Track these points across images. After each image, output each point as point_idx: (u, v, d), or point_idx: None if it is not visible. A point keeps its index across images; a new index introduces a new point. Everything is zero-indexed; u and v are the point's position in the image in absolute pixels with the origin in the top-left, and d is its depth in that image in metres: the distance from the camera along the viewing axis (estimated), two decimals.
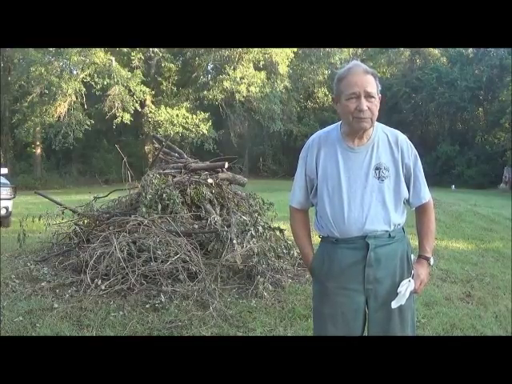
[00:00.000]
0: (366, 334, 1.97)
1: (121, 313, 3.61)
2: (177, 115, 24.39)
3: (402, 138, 1.93)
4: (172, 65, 26.73)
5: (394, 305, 1.88)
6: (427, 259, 1.99)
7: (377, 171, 1.86)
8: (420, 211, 2.01)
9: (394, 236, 1.90)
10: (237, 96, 24.72)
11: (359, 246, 1.87)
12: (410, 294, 1.91)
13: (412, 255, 1.98)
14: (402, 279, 1.90)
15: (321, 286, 1.98)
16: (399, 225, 1.92)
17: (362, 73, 1.81)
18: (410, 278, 1.91)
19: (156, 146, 7.47)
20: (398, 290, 1.88)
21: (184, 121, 24.47)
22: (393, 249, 1.90)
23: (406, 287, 1.89)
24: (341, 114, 1.88)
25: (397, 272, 1.90)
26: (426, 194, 1.97)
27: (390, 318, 1.89)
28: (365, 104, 1.79)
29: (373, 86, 1.81)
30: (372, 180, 1.86)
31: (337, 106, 1.89)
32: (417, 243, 2.05)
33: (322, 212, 1.93)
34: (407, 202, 1.97)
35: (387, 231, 1.88)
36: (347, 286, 1.89)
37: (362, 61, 1.92)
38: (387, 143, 1.90)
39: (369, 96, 1.79)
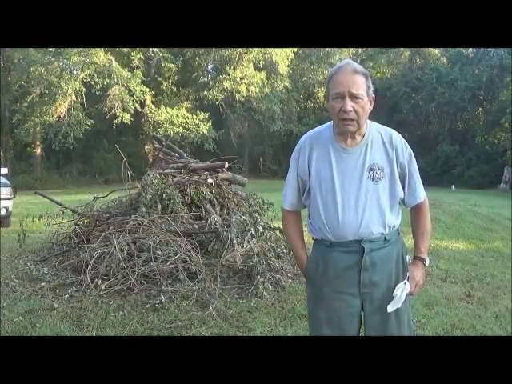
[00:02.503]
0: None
1: (121, 313, 3.61)
2: (177, 115, 24.39)
3: (396, 136, 1.88)
4: (172, 65, 26.73)
5: (390, 308, 1.85)
6: (423, 260, 1.95)
7: (371, 172, 1.82)
8: (415, 211, 1.98)
9: (390, 239, 1.87)
10: (237, 96, 24.73)
11: (354, 249, 1.83)
12: (406, 297, 1.89)
13: (408, 256, 1.95)
14: (398, 282, 1.87)
15: (316, 289, 1.95)
16: (394, 226, 1.89)
17: (350, 72, 1.76)
18: (406, 281, 1.89)
19: (156, 145, 7.46)
20: (394, 294, 1.85)
21: (184, 121, 24.46)
22: (388, 252, 1.87)
23: (402, 290, 1.86)
24: (330, 114, 1.84)
25: (392, 275, 1.87)
26: (421, 194, 1.93)
27: (386, 321, 1.87)
28: (349, 105, 1.73)
29: (360, 86, 1.75)
30: (366, 182, 1.82)
31: (328, 106, 1.85)
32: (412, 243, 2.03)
33: (316, 215, 1.90)
34: (402, 201, 1.93)
35: (382, 234, 1.85)
36: (343, 290, 1.87)
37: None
38: (381, 142, 1.86)
39: (354, 97, 1.74)
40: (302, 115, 30.79)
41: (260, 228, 4.74)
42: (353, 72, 1.76)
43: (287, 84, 27.23)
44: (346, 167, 1.84)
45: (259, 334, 3.29)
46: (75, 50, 20.68)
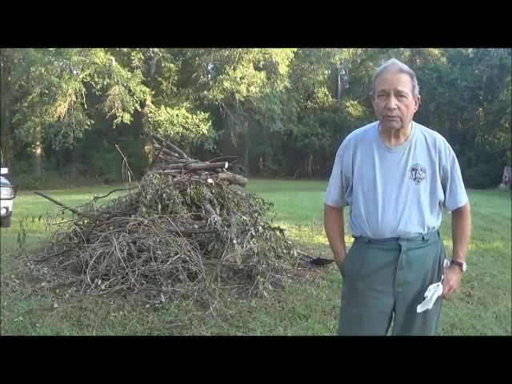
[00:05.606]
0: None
1: (121, 313, 3.61)
2: (177, 115, 24.33)
3: (440, 139, 1.91)
4: (172, 65, 26.68)
5: (420, 309, 1.86)
6: (460, 265, 1.96)
7: (413, 172, 1.85)
8: (455, 215, 1.99)
9: (428, 239, 1.88)
10: (237, 96, 24.67)
11: (392, 247, 1.85)
12: (438, 299, 1.89)
13: (446, 260, 1.95)
14: (432, 283, 1.88)
15: (350, 285, 1.98)
16: (434, 228, 1.90)
17: (396, 71, 1.79)
18: (439, 283, 1.89)
19: (156, 145, 7.47)
20: (425, 295, 1.86)
21: (184, 121, 24.42)
22: (426, 252, 1.88)
23: (433, 292, 1.86)
24: (375, 112, 1.87)
25: (428, 276, 1.88)
26: (462, 198, 1.94)
27: (412, 320, 1.89)
28: (393, 102, 1.77)
29: (405, 85, 1.78)
30: (408, 181, 1.84)
31: (373, 104, 1.88)
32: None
33: (357, 211, 1.93)
34: (443, 204, 1.94)
35: (421, 234, 1.86)
36: (376, 288, 1.89)
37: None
38: (425, 144, 1.88)
39: (399, 95, 1.77)
40: (302, 115, 30.75)
41: (260, 228, 4.74)
42: (398, 71, 1.80)
43: (287, 84, 27.19)
44: (388, 166, 1.87)
45: (259, 334, 3.29)
46: (75, 50, 20.63)
